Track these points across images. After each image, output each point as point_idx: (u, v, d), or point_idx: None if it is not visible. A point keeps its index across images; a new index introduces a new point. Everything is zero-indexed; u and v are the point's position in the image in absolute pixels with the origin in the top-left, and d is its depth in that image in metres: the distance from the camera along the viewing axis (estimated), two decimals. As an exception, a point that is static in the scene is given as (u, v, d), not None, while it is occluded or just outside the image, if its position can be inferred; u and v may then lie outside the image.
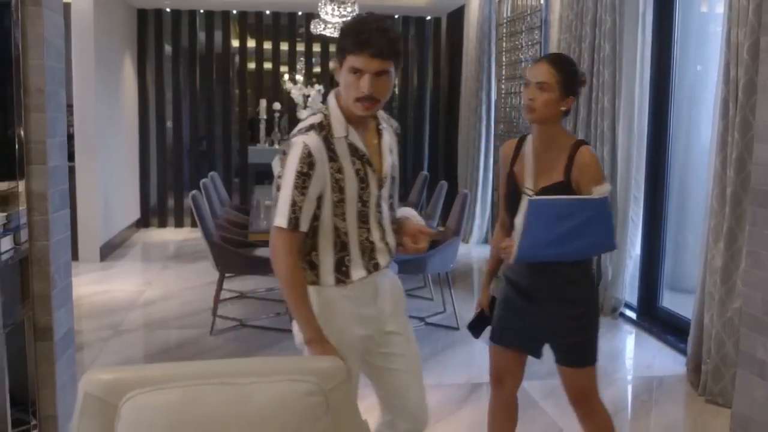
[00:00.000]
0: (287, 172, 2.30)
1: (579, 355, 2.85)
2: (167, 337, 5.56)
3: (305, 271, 2.40)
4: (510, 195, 2.86)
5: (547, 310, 2.83)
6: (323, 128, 2.32)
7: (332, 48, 10.66)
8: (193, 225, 9.79)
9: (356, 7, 6.59)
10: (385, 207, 2.47)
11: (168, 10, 10.08)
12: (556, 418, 4.02)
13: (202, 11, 10.22)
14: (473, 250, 8.73)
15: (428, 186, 8.13)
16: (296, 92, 9.97)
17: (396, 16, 10.60)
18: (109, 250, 8.36)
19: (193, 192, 5.71)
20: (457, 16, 10.06)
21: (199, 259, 8.03)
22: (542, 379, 4.05)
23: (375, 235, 2.43)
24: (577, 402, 2.90)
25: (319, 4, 6.70)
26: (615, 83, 5.66)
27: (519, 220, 2.73)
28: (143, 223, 10.22)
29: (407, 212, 2.61)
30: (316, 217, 2.35)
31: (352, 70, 2.25)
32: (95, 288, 6.85)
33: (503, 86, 7.65)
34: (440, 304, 6.23)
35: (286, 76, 10.62)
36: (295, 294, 2.33)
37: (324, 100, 9.54)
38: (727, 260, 4.06)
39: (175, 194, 10.38)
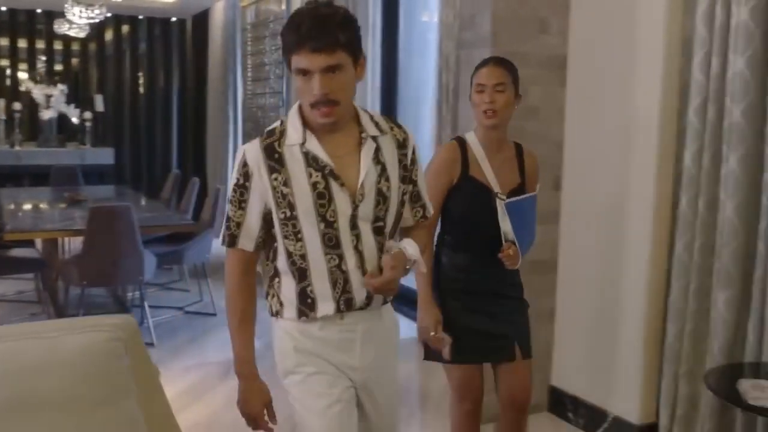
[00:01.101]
0: (229, 185, 2.07)
1: (530, 342, 2.92)
2: None
3: (272, 300, 2.14)
4: (472, 200, 2.76)
5: (511, 305, 2.86)
6: (272, 135, 2.02)
7: (75, 46, 10.55)
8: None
9: (104, 9, 6.73)
10: (365, 230, 2.03)
11: None
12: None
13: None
14: (226, 244, 9.09)
15: (180, 183, 8.39)
16: (38, 92, 9.78)
17: (140, 17, 10.68)
18: None
19: (-62, 194, 5.61)
20: (201, 19, 10.35)
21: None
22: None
23: (349, 263, 2.02)
24: (528, 399, 2.91)
25: (66, 5, 6.75)
26: (350, 86, 6.32)
27: (506, 225, 2.67)
28: None
29: (403, 243, 2.13)
30: (272, 237, 2.08)
31: (299, 72, 1.91)
32: None
33: (250, 87, 8.09)
34: (197, 294, 6.57)
35: (25, 75, 10.34)
36: (230, 318, 2.12)
37: (68, 101, 9.42)
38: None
39: None
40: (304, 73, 1.90)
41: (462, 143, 2.78)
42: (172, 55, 11.06)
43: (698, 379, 3.29)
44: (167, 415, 2.04)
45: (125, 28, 10.76)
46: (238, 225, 2.05)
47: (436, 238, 2.88)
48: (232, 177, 2.04)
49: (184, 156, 11.12)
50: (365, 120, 2.06)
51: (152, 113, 11.00)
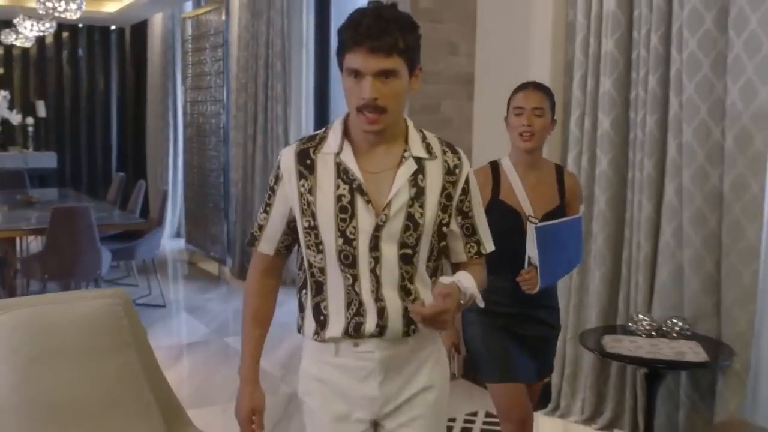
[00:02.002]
0: None
1: (551, 371, 2.99)
2: None
3: (298, 314, 2.02)
4: (501, 224, 2.57)
5: (543, 332, 2.84)
6: (311, 140, 1.93)
7: (17, 52, 10.83)
8: None
9: (54, 23, 7.16)
10: (388, 254, 1.88)
11: None
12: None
13: None
14: (167, 243, 9.59)
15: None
16: (-20, 98, 10.08)
17: (80, 25, 11.04)
18: None
19: None
20: (140, 29, 10.78)
21: None
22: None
23: (363, 286, 1.88)
24: (531, 411, 2.85)
25: (17, 19, 7.16)
26: (286, 95, 6.92)
27: (531, 249, 2.62)
28: None
29: (457, 276, 1.91)
30: (299, 246, 1.98)
31: (350, 72, 1.79)
32: None
33: (191, 95, 8.61)
34: (146, 288, 7.08)
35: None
36: (244, 320, 2.05)
37: (10, 107, 9.75)
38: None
39: None
40: (356, 74, 1.77)
41: (495, 167, 2.79)
42: (111, 62, 11.48)
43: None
44: (154, 363, 2.63)
45: (65, 36, 11.10)
46: (260, 228, 2.00)
47: None
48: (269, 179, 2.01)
49: (123, 159, 11.53)
50: (414, 139, 1.92)
51: (92, 118, 11.39)
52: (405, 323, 1.90)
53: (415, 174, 1.88)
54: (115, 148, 11.60)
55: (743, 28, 3.23)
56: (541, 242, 2.57)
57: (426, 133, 1.97)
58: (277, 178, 1.94)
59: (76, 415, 2.28)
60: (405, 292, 1.90)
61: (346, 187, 1.86)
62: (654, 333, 3.37)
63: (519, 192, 2.71)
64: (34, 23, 6.99)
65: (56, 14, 5.99)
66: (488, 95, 4.50)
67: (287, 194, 1.92)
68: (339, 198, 1.86)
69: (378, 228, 1.85)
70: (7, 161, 9.94)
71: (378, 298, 1.88)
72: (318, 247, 1.89)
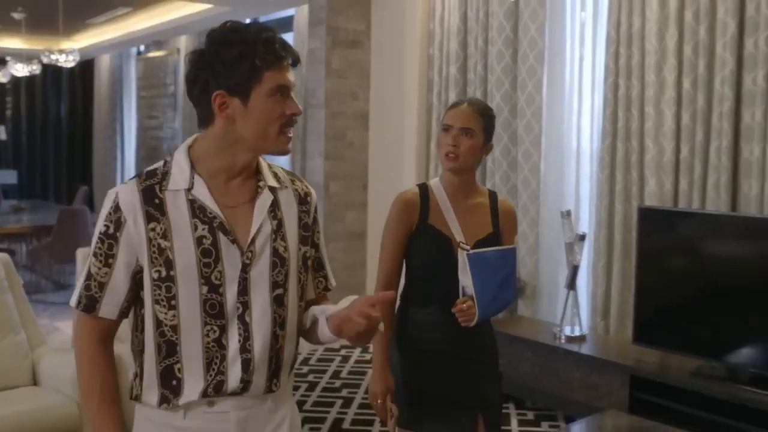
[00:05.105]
0: (94, 234, 1.69)
1: (499, 417, 2.67)
2: None
3: (134, 380, 1.73)
4: (431, 251, 2.52)
5: (480, 371, 2.58)
6: (153, 176, 1.68)
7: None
8: None
9: (39, 66, 8.86)
10: (259, 299, 1.70)
11: None
12: None
13: None
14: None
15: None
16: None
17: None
18: None
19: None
20: (88, 64, 12.54)
21: None
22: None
23: (231, 337, 1.67)
24: None
25: (10, 61, 8.79)
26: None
27: (465, 278, 2.39)
28: None
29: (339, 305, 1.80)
30: (140, 302, 1.69)
31: (273, 92, 1.62)
32: None
33: (146, 122, 10.42)
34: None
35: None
36: (86, 399, 1.74)
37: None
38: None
39: None
40: (283, 91, 1.64)
41: (424, 189, 2.57)
42: (62, 92, 13.18)
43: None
44: (25, 302, 3.69)
45: (20, 69, 12.78)
46: (101, 286, 1.67)
47: (400, 293, 2.62)
48: (99, 225, 1.68)
49: (72, 175, 13.18)
50: (264, 169, 1.77)
51: (45, 140, 13.06)
52: (269, 376, 1.73)
53: (273, 206, 1.75)
54: (65, 165, 13.27)
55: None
56: (475, 271, 2.38)
57: (269, 161, 1.83)
58: (119, 223, 1.65)
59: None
60: (275, 339, 1.72)
61: (205, 227, 1.66)
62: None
63: (449, 217, 2.50)
64: (24, 65, 8.61)
65: (57, 63, 7.70)
66: (378, 127, 6.63)
67: (132, 241, 1.65)
68: (200, 240, 1.65)
69: (245, 268, 1.68)
70: (-26, 178, 11.55)
71: (245, 349, 1.68)
72: (170, 302, 1.65)
